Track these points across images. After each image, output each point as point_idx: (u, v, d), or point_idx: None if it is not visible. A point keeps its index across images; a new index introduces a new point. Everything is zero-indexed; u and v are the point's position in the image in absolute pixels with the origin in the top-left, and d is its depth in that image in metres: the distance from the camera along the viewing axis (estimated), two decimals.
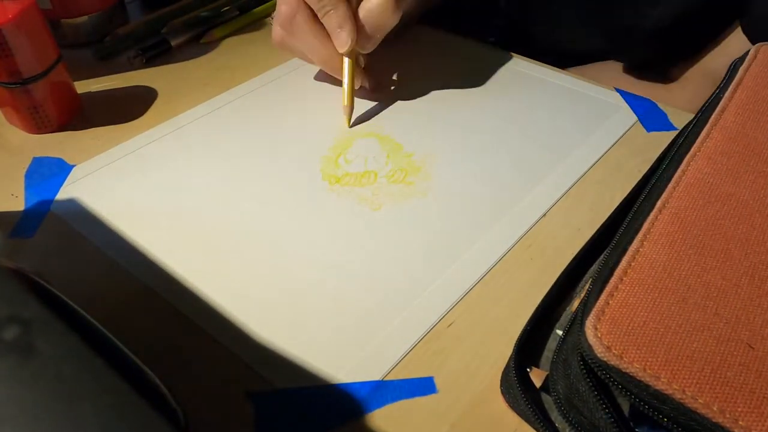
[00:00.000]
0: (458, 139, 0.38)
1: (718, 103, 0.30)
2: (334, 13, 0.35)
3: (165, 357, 0.25)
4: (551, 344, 0.25)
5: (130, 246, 0.31)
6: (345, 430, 0.23)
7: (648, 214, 0.24)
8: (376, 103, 0.41)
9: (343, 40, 0.36)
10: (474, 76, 0.44)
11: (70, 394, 0.14)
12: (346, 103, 0.38)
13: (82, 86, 0.43)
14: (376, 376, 0.25)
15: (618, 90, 0.42)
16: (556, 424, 0.22)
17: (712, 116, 0.29)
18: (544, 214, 0.32)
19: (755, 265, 0.21)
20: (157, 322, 0.27)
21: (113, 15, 0.50)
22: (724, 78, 0.34)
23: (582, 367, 0.20)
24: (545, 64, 0.45)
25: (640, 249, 0.22)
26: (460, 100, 0.42)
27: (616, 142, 0.37)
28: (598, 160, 0.36)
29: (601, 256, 0.24)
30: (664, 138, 0.36)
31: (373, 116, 0.40)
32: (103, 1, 0.48)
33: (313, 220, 0.32)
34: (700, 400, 0.17)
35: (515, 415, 0.23)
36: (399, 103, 0.41)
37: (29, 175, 0.36)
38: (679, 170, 0.26)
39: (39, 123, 0.39)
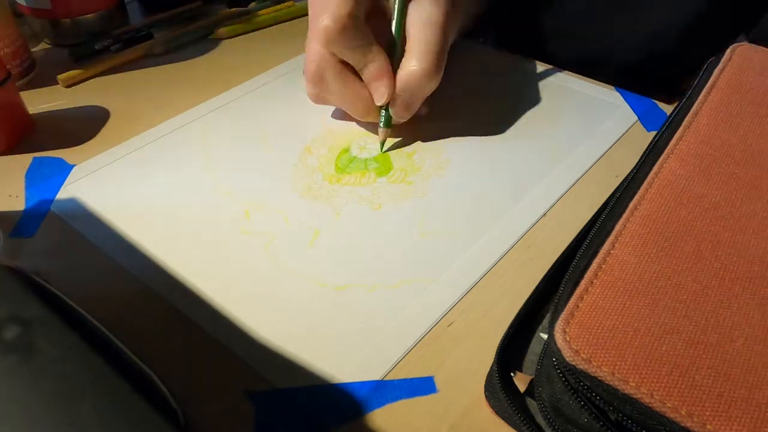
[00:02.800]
0: (458, 139, 0.38)
1: (691, 104, 0.30)
2: (373, 65, 0.34)
3: (165, 357, 0.25)
4: (535, 347, 0.25)
5: (130, 246, 0.31)
6: (345, 430, 0.23)
7: (621, 216, 0.24)
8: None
9: (382, 93, 0.34)
10: (473, 75, 0.44)
11: (71, 394, 0.14)
12: (383, 125, 0.37)
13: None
14: (376, 376, 0.25)
15: (618, 89, 0.42)
16: (544, 429, 0.22)
17: (686, 118, 0.29)
18: (544, 214, 0.32)
19: (726, 266, 0.21)
20: (157, 322, 0.27)
21: (113, 15, 0.50)
22: (698, 78, 0.33)
23: (559, 373, 0.20)
24: (545, 64, 0.45)
25: (612, 251, 0.22)
26: (460, 99, 0.42)
27: (617, 141, 0.37)
28: (598, 159, 0.36)
29: (575, 259, 0.24)
30: None
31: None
32: (103, 1, 0.48)
33: (313, 219, 0.32)
34: (668, 404, 0.17)
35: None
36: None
37: (29, 175, 0.36)
38: (652, 172, 0.26)
39: None
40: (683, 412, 0.17)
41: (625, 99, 0.41)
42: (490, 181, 0.35)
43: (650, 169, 0.26)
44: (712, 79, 0.32)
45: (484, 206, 0.33)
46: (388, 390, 0.24)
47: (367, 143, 0.38)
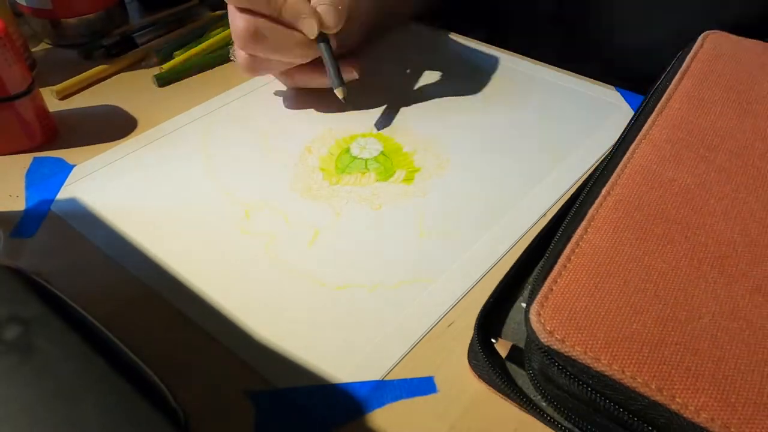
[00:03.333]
0: (458, 139, 0.38)
1: (664, 89, 0.31)
2: (287, 5, 0.34)
3: (165, 357, 0.25)
4: (515, 316, 0.25)
5: (130, 246, 0.31)
6: (345, 430, 0.23)
7: (594, 200, 0.24)
8: (375, 102, 0.41)
9: (311, 24, 0.34)
10: (474, 76, 0.44)
11: (71, 394, 0.14)
12: (335, 84, 0.37)
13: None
14: (377, 376, 0.25)
15: (618, 89, 0.42)
16: (525, 390, 0.22)
17: (659, 104, 0.30)
18: (544, 214, 0.32)
19: (695, 247, 0.22)
20: (157, 322, 0.27)
21: (113, 15, 0.50)
22: (671, 65, 0.34)
23: (542, 352, 0.20)
24: (545, 64, 0.45)
25: (584, 236, 0.23)
26: (460, 100, 0.42)
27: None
28: (598, 159, 0.36)
29: (551, 244, 0.24)
30: None
31: (378, 116, 0.40)
32: (103, 1, 0.48)
33: (313, 219, 0.32)
34: (638, 380, 0.18)
35: (515, 414, 0.23)
36: (399, 103, 0.41)
37: (30, 175, 0.36)
38: (625, 158, 0.26)
39: (19, 143, 0.38)
40: (653, 387, 0.18)
41: (625, 99, 0.41)
42: (490, 181, 0.35)
43: (623, 154, 0.27)
44: (684, 65, 0.32)
45: (484, 206, 0.33)
46: (389, 390, 0.24)
47: (368, 143, 0.38)
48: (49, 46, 0.50)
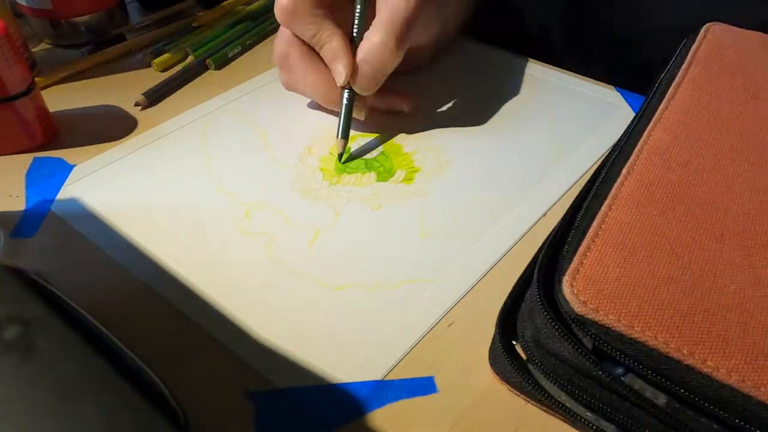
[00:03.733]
0: (458, 139, 0.38)
1: (672, 77, 0.32)
2: (328, 46, 0.34)
3: (165, 357, 0.25)
4: None
5: (130, 246, 0.31)
6: (345, 430, 0.23)
7: (615, 181, 0.25)
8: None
9: (339, 72, 0.34)
10: (473, 75, 0.44)
11: (71, 394, 0.14)
12: (339, 135, 0.36)
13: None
14: (377, 376, 0.25)
15: (618, 89, 0.42)
16: (548, 390, 0.23)
17: (669, 90, 0.31)
18: (544, 214, 0.32)
19: (715, 222, 0.23)
20: (157, 322, 0.27)
21: (114, 15, 0.50)
22: (675, 55, 0.35)
23: (541, 306, 0.21)
24: (545, 63, 0.45)
25: (609, 212, 0.24)
26: (459, 100, 0.42)
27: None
28: (599, 159, 0.36)
29: (576, 220, 0.25)
30: None
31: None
32: (104, 1, 0.48)
33: (313, 219, 0.32)
34: (671, 345, 0.19)
35: (515, 414, 0.23)
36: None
37: (30, 175, 0.36)
38: (641, 140, 0.28)
39: (20, 143, 0.37)
40: (685, 351, 0.19)
41: (625, 99, 0.41)
42: (490, 181, 0.35)
43: (639, 137, 0.28)
44: (690, 54, 0.34)
45: (484, 206, 0.33)
46: (389, 390, 0.24)
47: (368, 143, 0.38)
48: (49, 46, 0.50)
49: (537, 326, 0.22)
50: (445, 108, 0.41)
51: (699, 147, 0.27)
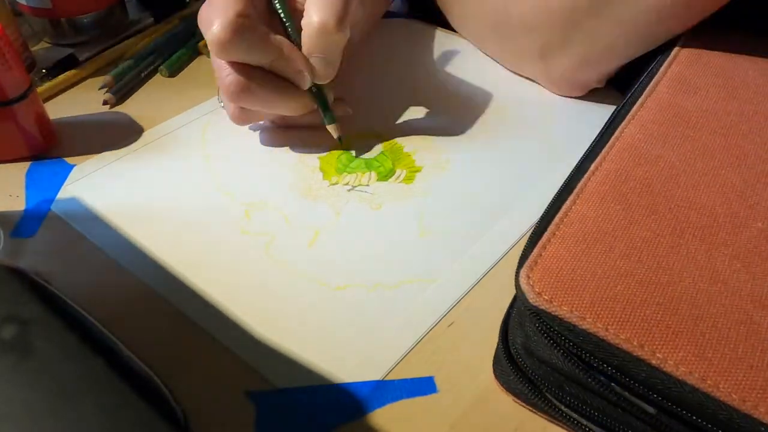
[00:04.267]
0: (457, 139, 0.38)
1: (653, 75, 0.32)
2: (281, 57, 0.32)
3: (165, 357, 0.25)
4: None
5: (130, 246, 0.31)
6: (345, 430, 0.23)
7: (583, 176, 0.26)
8: (375, 103, 0.41)
9: (302, 77, 0.33)
10: (473, 76, 0.44)
11: (70, 394, 0.14)
12: (328, 122, 0.35)
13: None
14: (377, 376, 0.25)
15: (618, 89, 0.42)
16: (551, 400, 0.23)
17: (647, 88, 0.31)
18: None
19: (678, 218, 0.23)
20: (157, 322, 0.27)
21: (113, 14, 0.50)
22: (661, 54, 0.35)
23: (531, 313, 0.21)
24: None
25: (573, 207, 0.24)
26: (459, 100, 0.42)
27: None
28: None
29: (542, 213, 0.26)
30: None
31: (368, 119, 0.39)
32: (104, 0, 0.48)
33: (313, 219, 0.32)
34: (621, 336, 0.19)
35: (515, 414, 0.23)
36: (398, 103, 0.41)
37: (30, 175, 0.36)
38: (614, 136, 0.28)
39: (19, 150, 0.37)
40: (635, 343, 0.19)
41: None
42: (490, 181, 0.35)
43: (612, 134, 0.28)
44: (672, 53, 0.34)
45: (484, 206, 0.33)
46: (389, 390, 0.24)
47: (368, 143, 0.38)
48: (49, 45, 0.50)
49: (527, 333, 0.22)
50: (444, 108, 0.41)
51: (671, 144, 0.27)
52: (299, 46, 0.33)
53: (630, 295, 0.20)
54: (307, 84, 0.33)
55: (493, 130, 0.39)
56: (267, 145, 0.38)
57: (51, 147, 0.38)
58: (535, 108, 0.41)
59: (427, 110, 0.40)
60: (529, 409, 0.24)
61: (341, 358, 0.25)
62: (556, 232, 0.23)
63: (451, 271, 0.29)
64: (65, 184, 0.35)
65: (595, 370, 0.20)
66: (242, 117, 0.35)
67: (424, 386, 0.25)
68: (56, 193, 0.34)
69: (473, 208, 0.33)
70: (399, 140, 0.38)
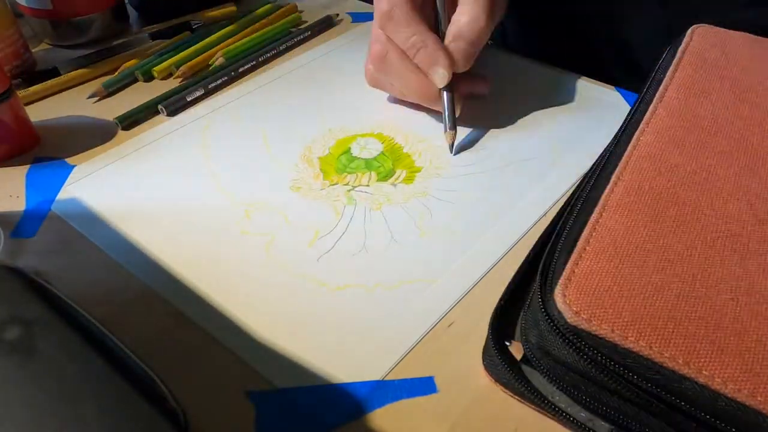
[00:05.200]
0: (458, 139, 0.38)
1: (660, 80, 0.32)
2: (424, 51, 0.35)
3: (165, 357, 0.26)
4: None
5: (130, 246, 0.31)
6: (345, 430, 0.23)
7: (605, 187, 0.25)
8: (376, 103, 0.41)
9: (441, 76, 0.35)
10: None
11: (72, 395, 0.14)
12: (447, 128, 0.36)
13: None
14: (377, 376, 0.25)
15: (618, 89, 0.42)
16: (540, 390, 0.23)
17: (657, 94, 0.31)
18: (544, 214, 0.32)
19: (706, 227, 0.23)
20: (158, 322, 0.27)
21: (114, 15, 0.50)
22: (662, 58, 0.35)
23: (545, 316, 0.21)
24: (546, 64, 0.45)
25: (600, 219, 0.23)
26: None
27: None
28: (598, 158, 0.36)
29: (566, 228, 0.25)
30: None
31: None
32: (104, 1, 0.48)
33: (313, 219, 0.32)
34: (666, 354, 0.19)
35: (515, 414, 0.23)
36: (398, 103, 0.41)
37: (30, 176, 0.36)
38: (630, 145, 0.27)
39: None
40: (680, 361, 0.18)
41: (625, 99, 0.41)
42: (490, 181, 0.35)
43: (628, 143, 0.28)
44: (676, 57, 0.33)
45: (484, 206, 0.33)
46: (389, 390, 0.24)
47: (368, 143, 0.38)
48: (49, 46, 0.50)
49: (542, 333, 0.22)
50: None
51: (688, 151, 0.27)
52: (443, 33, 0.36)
53: (670, 311, 0.20)
54: (442, 81, 0.35)
55: (492, 130, 0.39)
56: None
57: (32, 149, 0.38)
58: (536, 109, 0.41)
59: (428, 111, 0.40)
60: (530, 407, 0.24)
61: (341, 358, 0.26)
62: (587, 247, 0.22)
63: (451, 271, 0.29)
64: (66, 184, 0.35)
65: (636, 387, 0.20)
66: (376, 83, 0.39)
67: (424, 386, 0.25)
68: (56, 194, 0.34)
69: (473, 208, 0.33)
70: (399, 140, 0.38)
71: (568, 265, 0.21)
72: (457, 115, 0.37)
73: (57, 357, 0.15)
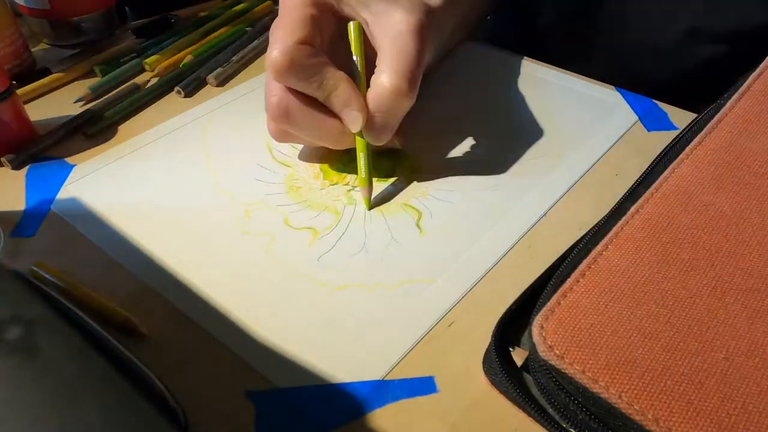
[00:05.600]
0: (457, 139, 0.38)
1: (718, 109, 0.29)
2: (336, 93, 0.31)
3: (165, 357, 0.26)
4: None
5: (130, 245, 0.31)
6: (345, 430, 0.23)
7: (622, 216, 0.23)
8: None
9: (354, 118, 0.31)
10: (473, 75, 0.44)
11: (74, 394, 0.14)
12: (364, 184, 0.33)
13: None
14: (377, 376, 0.25)
15: (618, 89, 0.42)
16: (538, 399, 0.22)
17: (710, 123, 0.28)
18: (545, 214, 0.32)
19: (720, 276, 0.21)
20: (157, 322, 0.27)
21: (112, 14, 0.50)
22: (735, 83, 0.32)
23: (540, 367, 0.20)
24: (546, 64, 0.45)
25: (603, 252, 0.22)
26: (459, 99, 0.42)
27: (617, 141, 0.37)
28: (599, 159, 0.36)
29: (571, 254, 0.24)
30: (665, 138, 0.36)
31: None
32: (102, 1, 0.48)
33: (313, 219, 0.32)
34: (635, 406, 0.17)
35: (515, 414, 0.23)
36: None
37: (30, 175, 0.36)
38: (663, 176, 0.25)
39: None
40: (650, 416, 0.17)
41: (625, 99, 0.41)
42: (490, 181, 0.35)
43: (662, 171, 0.25)
44: (746, 84, 0.30)
45: (484, 206, 0.33)
46: (389, 390, 0.24)
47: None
48: (48, 46, 0.50)
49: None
50: (445, 108, 0.41)
51: (726, 190, 0.24)
52: (360, 85, 0.32)
53: (651, 361, 0.18)
54: (357, 124, 0.31)
55: (493, 130, 0.39)
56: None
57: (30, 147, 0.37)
58: (536, 108, 0.41)
59: (428, 111, 0.40)
60: (526, 415, 0.24)
61: (341, 358, 0.25)
62: (580, 280, 0.21)
63: (451, 271, 0.29)
64: (65, 183, 0.35)
65: (602, 428, 0.19)
66: (281, 137, 0.34)
67: (424, 386, 0.25)
68: (56, 193, 0.34)
69: (473, 208, 0.33)
70: (398, 142, 0.38)
71: (556, 296, 0.20)
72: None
73: (58, 356, 0.15)
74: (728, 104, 0.29)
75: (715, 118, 0.28)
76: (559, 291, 0.21)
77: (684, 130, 0.29)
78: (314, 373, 0.25)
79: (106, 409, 0.14)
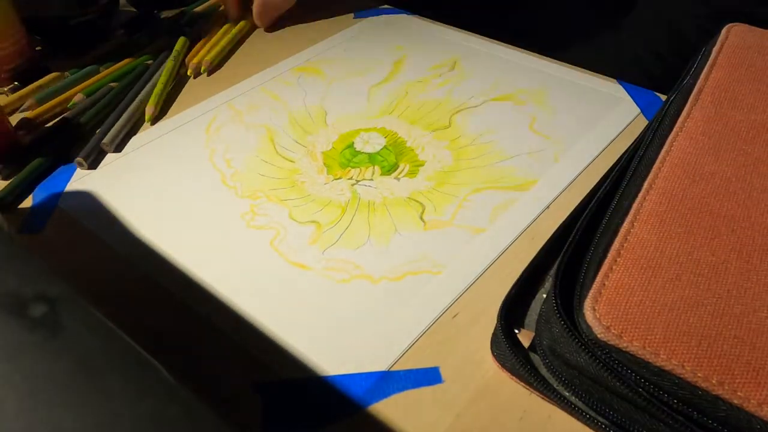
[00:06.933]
0: (459, 132, 0.38)
1: (694, 82, 0.31)
2: None
3: (172, 349, 0.26)
4: (536, 307, 0.25)
5: (137, 240, 0.31)
6: (351, 421, 0.23)
7: (636, 195, 0.24)
8: (376, 97, 0.41)
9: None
10: (474, 68, 0.44)
11: (97, 368, 0.15)
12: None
13: None
14: (382, 367, 0.25)
15: (620, 81, 0.42)
16: (547, 378, 0.22)
17: (690, 97, 0.29)
18: (547, 207, 0.32)
19: (742, 240, 0.22)
20: (164, 315, 0.27)
21: (111, 12, 0.50)
22: (698, 58, 0.34)
23: (560, 319, 0.21)
24: (547, 57, 0.45)
25: (631, 230, 0.23)
26: (462, 93, 0.42)
27: (619, 134, 0.37)
28: (601, 152, 0.36)
29: (595, 238, 0.24)
30: None
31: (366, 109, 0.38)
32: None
33: (318, 213, 0.32)
34: (699, 374, 0.18)
35: (520, 403, 0.24)
36: (399, 99, 0.41)
37: (37, 171, 0.36)
38: (663, 150, 0.26)
39: None
40: (714, 381, 0.18)
41: (627, 91, 0.41)
42: (492, 173, 0.35)
43: (659, 147, 0.26)
44: (711, 58, 0.32)
45: (486, 198, 0.33)
46: (394, 381, 0.25)
47: (371, 138, 0.38)
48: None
49: (554, 336, 0.21)
50: (446, 102, 0.41)
51: (724, 159, 0.25)
52: None
53: (704, 328, 0.19)
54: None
55: (494, 122, 0.39)
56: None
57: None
58: (538, 101, 0.41)
59: (428, 105, 0.40)
60: (537, 394, 0.24)
61: (347, 349, 0.26)
62: (618, 259, 0.21)
63: (455, 262, 0.29)
64: (72, 179, 0.35)
65: (665, 405, 0.19)
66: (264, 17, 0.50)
67: (429, 377, 0.25)
68: (63, 189, 0.35)
69: (476, 201, 0.33)
70: (402, 134, 0.38)
71: (599, 277, 0.21)
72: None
73: (81, 332, 0.15)
74: (701, 78, 0.30)
75: (694, 91, 0.30)
76: (600, 273, 0.21)
77: (665, 105, 0.30)
78: (320, 365, 0.25)
79: (128, 381, 0.14)
